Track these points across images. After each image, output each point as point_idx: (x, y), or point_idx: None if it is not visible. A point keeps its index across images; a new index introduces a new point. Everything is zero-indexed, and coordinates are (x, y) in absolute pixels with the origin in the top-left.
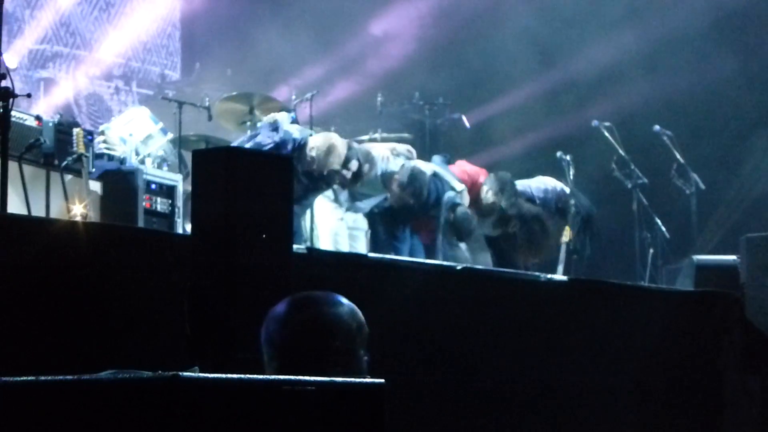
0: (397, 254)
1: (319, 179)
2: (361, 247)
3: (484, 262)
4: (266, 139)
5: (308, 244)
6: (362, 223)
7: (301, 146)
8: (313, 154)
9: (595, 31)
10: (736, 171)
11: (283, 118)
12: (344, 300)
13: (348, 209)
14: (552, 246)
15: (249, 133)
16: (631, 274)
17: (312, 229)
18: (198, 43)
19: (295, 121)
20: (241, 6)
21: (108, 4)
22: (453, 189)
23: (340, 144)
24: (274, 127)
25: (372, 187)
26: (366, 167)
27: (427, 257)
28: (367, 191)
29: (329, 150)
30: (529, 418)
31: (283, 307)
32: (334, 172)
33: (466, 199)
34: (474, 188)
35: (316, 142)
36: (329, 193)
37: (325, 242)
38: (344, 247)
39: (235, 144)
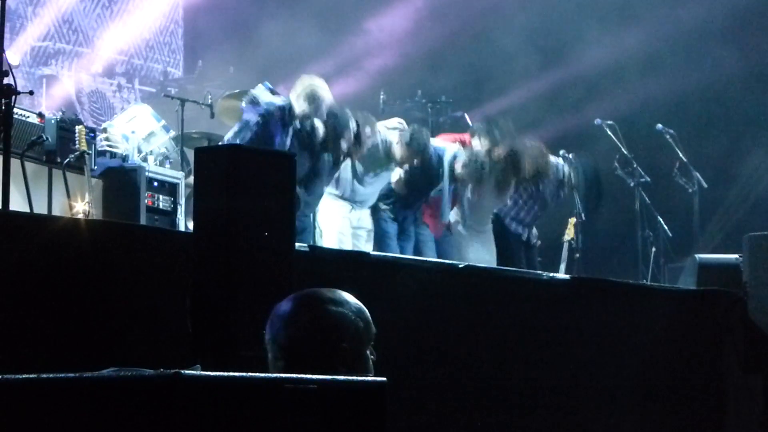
0: (402, 253)
1: (321, 150)
2: (365, 246)
3: (490, 260)
4: (252, 116)
5: (311, 242)
6: (366, 222)
7: (289, 111)
8: (301, 104)
9: (598, 30)
10: (739, 169)
11: (258, 91)
12: (351, 298)
13: (354, 201)
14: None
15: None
16: (634, 273)
17: (314, 227)
18: (200, 41)
19: (272, 90)
20: (244, 3)
21: (110, 1)
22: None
23: (321, 84)
24: (254, 101)
25: (373, 161)
26: (367, 130)
27: (438, 250)
28: (368, 166)
29: (312, 91)
30: (531, 416)
31: (288, 306)
32: (331, 127)
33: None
34: (467, 145)
35: (297, 91)
36: (333, 189)
37: (329, 241)
38: (348, 246)
39: (226, 138)
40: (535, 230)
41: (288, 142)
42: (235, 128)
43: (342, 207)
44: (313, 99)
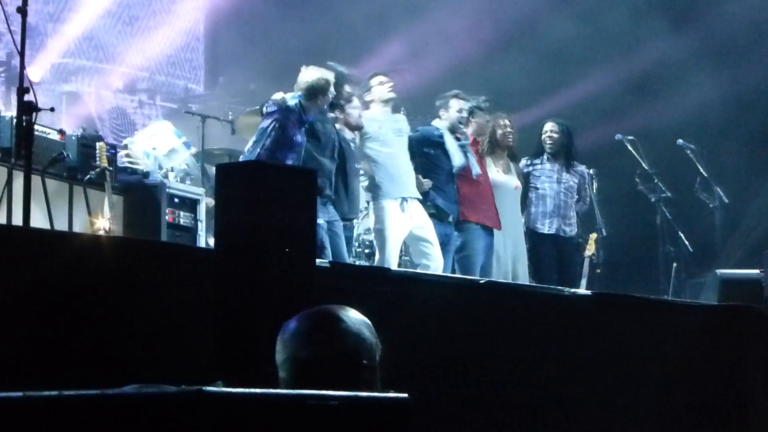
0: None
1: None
2: (437, 258)
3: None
4: (267, 122)
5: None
6: (422, 218)
7: (301, 109)
8: (309, 100)
9: (619, 45)
10: (760, 185)
11: (277, 96)
12: (360, 315)
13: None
14: None
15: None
16: (655, 288)
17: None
18: (221, 57)
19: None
20: (265, 20)
21: (132, 18)
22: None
23: (316, 74)
24: (279, 105)
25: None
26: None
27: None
28: None
29: (314, 86)
30: (554, 431)
31: (303, 324)
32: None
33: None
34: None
35: (300, 85)
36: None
37: (392, 257)
38: (416, 254)
39: (246, 149)
40: (572, 222)
41: (303, 139)
42: (254, 137)
43: (392, 208)
44: (316, 93)
